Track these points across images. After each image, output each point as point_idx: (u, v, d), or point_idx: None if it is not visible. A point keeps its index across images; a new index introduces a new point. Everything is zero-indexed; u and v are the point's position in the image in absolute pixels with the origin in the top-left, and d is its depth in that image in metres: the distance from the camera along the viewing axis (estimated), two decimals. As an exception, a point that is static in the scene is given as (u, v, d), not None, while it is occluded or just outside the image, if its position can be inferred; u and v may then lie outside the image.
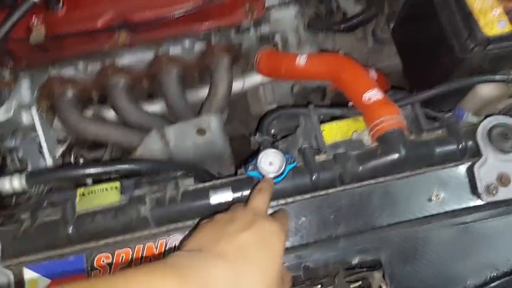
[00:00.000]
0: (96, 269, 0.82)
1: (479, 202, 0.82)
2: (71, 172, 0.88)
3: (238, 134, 1.57)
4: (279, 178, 0.82)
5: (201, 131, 1.08)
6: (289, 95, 1.32)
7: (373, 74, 1.20)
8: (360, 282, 0.83)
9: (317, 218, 0.83)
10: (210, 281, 0.53)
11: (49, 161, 1.13)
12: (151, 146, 1.08)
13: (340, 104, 0.96)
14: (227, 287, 0.54)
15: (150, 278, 0.49)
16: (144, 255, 0.83)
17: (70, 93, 1.19)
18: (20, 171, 0.95)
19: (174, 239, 0.83)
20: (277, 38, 1.20)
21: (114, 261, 0.83)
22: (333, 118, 0.96)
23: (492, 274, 0.81)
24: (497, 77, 0.90)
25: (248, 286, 0.56)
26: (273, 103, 1.37)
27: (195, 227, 0.73)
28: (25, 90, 1.13)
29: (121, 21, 1.08)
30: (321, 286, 0.84)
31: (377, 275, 0.84)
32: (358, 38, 1.53)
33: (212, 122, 1.08)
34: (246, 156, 1.50)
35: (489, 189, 0.80)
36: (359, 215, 0.83)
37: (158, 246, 0.83)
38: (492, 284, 0.84)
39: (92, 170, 0.88)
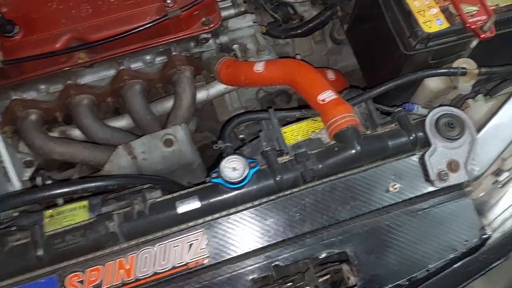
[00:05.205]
0: (69, 289, 0.83)
1: (433, 188, 0.87)
2: (37, 195, 0.88)
3: (209, 142, 1.59)
4: (243, 183, 0.85)
5: (168, 142, 1.10)
6: (254, 100, 1.35)
7: (330, 75, 1.24)
8: (328, 275, 0.86)
9: (284, 218, 0.86)
10: None
11: (17, 185, 1.11)
12: (119, 162, 1.09)
13: (299, 107, 1.00)
14: None
15: None
16: (116, 270, 0.84)
17: (33, 115, 1.18)
18: (-14, 197, 0.93)
19: (145, 252, 0.85)
20: (236, 47, 1.23)
21: (86, 279, 0.83)
22: (299, 119, 0.99)
23: (451, 256, 0.85)
24: (439, 71, 0.95)
25: None
26: (240, 109, 1.40)
27: None
28: (-14, 116, 1.12)
29: (79, 41, 1.09)
30: (293, 283, 0.86)
31: (345, 267, 0.88)
32: (316, 41, 1.58)
33: (179, 133, 1.09)
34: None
35: (440, 176, 0.85)
36: (323, 211, 0.86)
37: (129, 260, 0.84)
38: (455, 266, 0.89)
39: (58, 191, 0.88)
